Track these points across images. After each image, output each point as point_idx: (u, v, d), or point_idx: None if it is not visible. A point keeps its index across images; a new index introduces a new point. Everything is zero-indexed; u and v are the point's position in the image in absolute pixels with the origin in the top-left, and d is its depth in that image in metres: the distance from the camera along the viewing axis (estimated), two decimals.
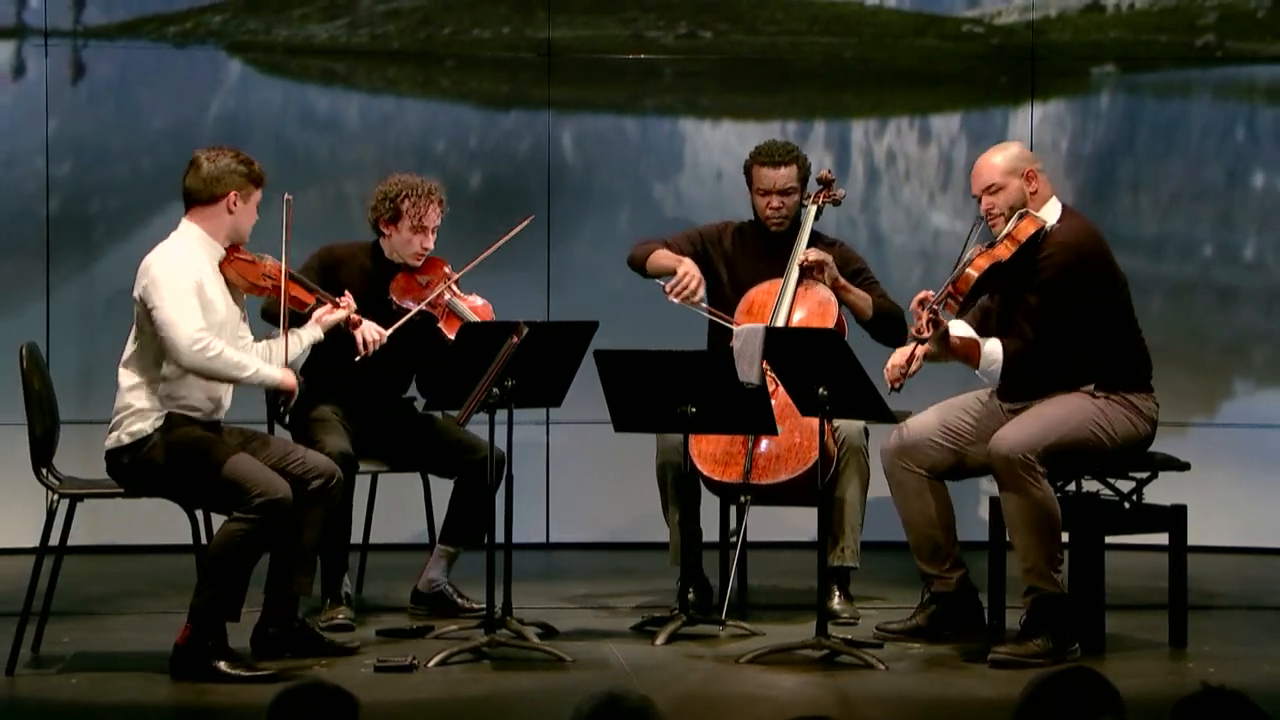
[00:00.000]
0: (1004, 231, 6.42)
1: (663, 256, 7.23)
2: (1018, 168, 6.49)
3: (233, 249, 6.26)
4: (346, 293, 6.58)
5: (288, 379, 6.27)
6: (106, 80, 8.71)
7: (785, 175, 7.21)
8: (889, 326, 7.17)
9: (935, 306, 6.26)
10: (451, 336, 6.93)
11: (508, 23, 8.86)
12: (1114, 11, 9.00)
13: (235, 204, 6.22)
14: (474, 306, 7.03)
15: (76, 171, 8.61)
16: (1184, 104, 8.97)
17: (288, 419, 6.98)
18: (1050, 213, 6.49)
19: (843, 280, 7.18)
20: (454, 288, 7.01)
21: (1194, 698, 3.39)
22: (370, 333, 6.62)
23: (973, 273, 6.34)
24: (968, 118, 9.00)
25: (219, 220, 6.23)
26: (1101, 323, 6.45)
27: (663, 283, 7.13)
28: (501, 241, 7.00)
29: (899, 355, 6.45)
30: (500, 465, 6.68)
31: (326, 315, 6.49)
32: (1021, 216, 6.42)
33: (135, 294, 6.16)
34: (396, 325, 6.75)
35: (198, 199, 6.24)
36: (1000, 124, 8.94)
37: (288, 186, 7.71)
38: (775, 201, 7.23)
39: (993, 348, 6.37)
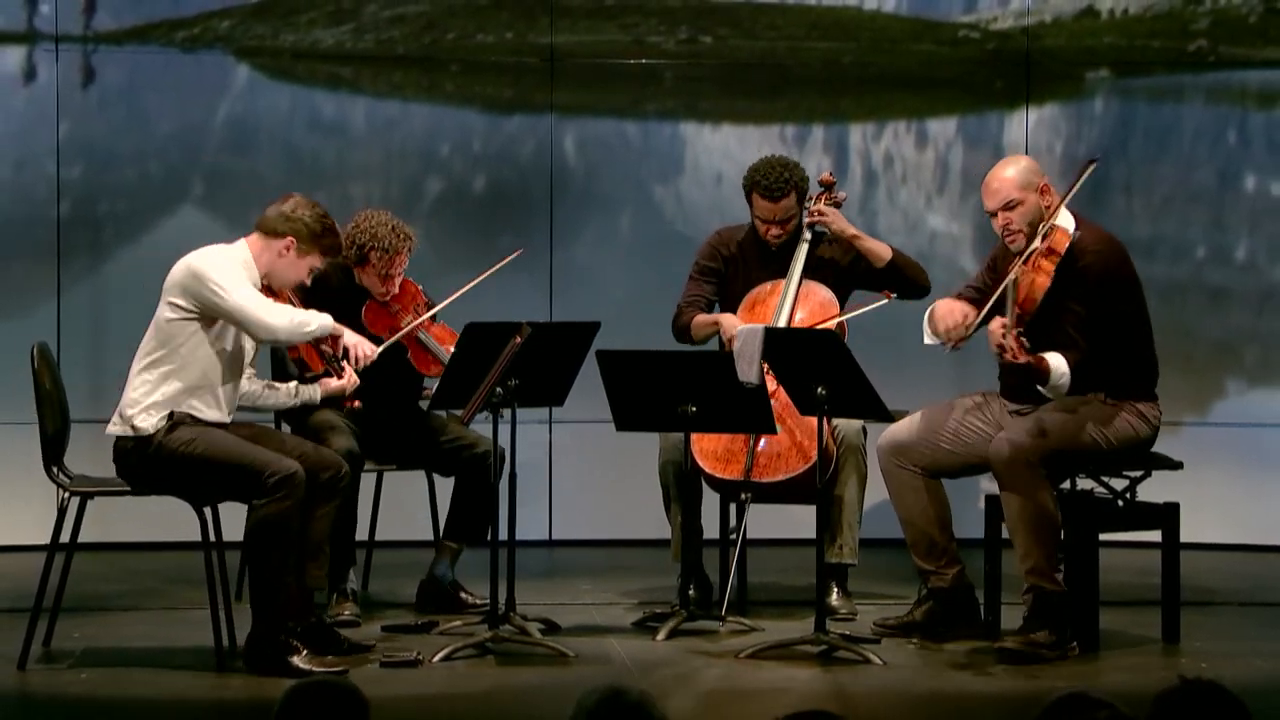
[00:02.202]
0: (1037, 247, 6.37)
1: (702, 324, 7.25)
2: (1033, 181, 6.46)
3: (266, 290, 6.31)
4: (348, 369, 6.56)
5: (336, 326, 6.39)
6: (116, 85, 8.73)
7: (783, 208, 7.20)
8: (906, 276, 7.22)
9: (1016, 330, 6.18)
10: (422, 371, 7.06)
11: (511, 28, 8.88)
12: (1108, 17, 9.01)
13: (287, 250, 6.27)
14: (440, 338, 7.09)
15: (86, 174, 8.63)
16: (1176, 108, 8.98)
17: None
18: (1066, 221, 6.48)
19: (852, 229, 7.23)
20: (422, 317, 7.06)
21: (1172, 690, 3.43)
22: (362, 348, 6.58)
23: (1038, 294, 6.30)
24: (964, 121, 9.03)
25: (269, 256, 6.28)
26: (1125, 328, 6.45)
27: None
28: (486, 274, 7.07)
29: (955, 314, 6.41)
30: (500, 462, 6.74)
31: (332, 383, 6.59)
32: (1050, 229, 6.39)
33: (175, 294, 6.18)
34: (382, 348, 6.76)
35: (263, 227, 6.31)
36: (996, 127, 8.98)
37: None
38: (775, 230, 7.25)
39: (1059, 363, 6.30)
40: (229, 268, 6.21)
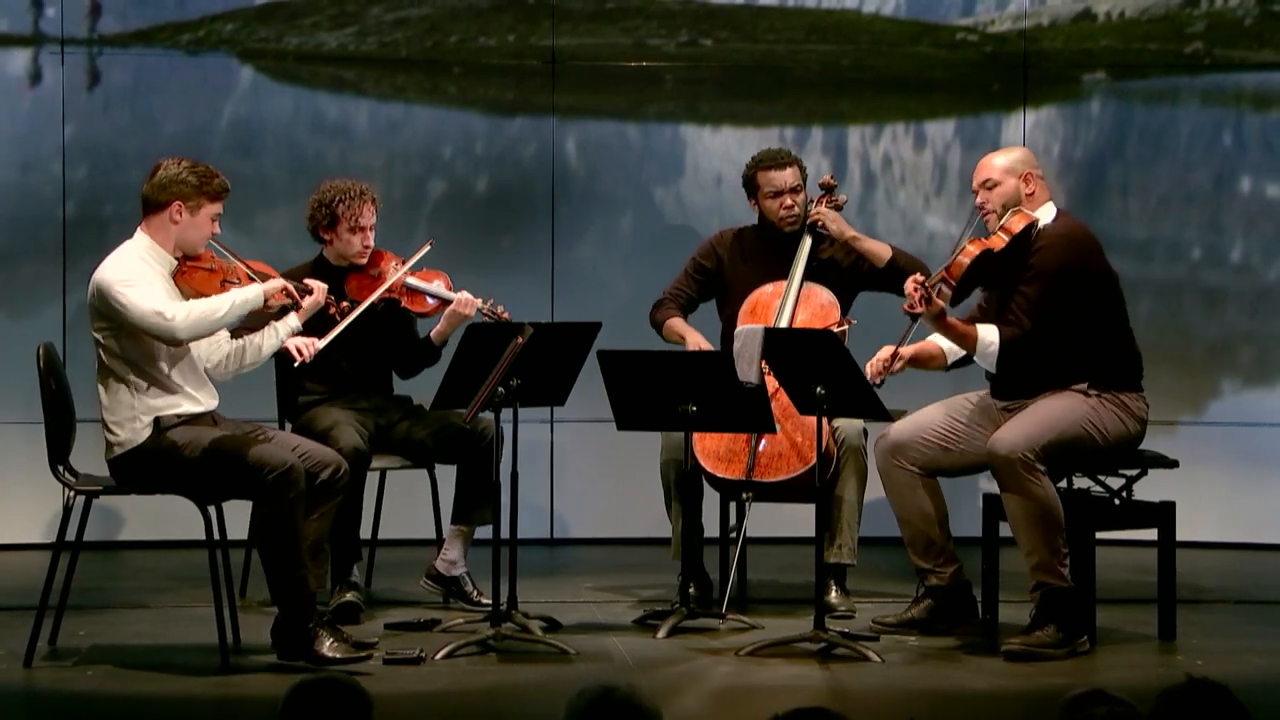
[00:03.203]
0: (997, 225, 6.54)
1: (673, 330, 7.36)
2: (1017, 169, 6.59)
3: (184, 260, 6.25)
4: (314, 283, 6.49)
5: (270, 284, 6.25)
6: (121, 87, 8.75)
7: (791, 174, 7.33)
8: (908, 275, 7.26)
9: (929, 286, 6.37)
10: (418, 311, 7.10)
11: (513, 31, 8.91)
12: (1105, 20, 9.04)
13: (179, 214, 6.19)
14: (431, 280, 7.14)
15: (92, 176, 8.65)
16: (1172, 110, 9.01)
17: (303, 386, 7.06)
18: (1045, 214, 6.58)
19: (851, 231, 7.31)
20: (405, 268, 7.09)
21: (1178, 688, 3.46)
22: (302, 343, 6.55)
23: (964, 260, 6.42)
24: (962, 123, 9.06)
25: (165, 230, 6.21)
26: (1095, 319, 6.50)
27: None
28: (419, 254, 7.07)
29: (883, 351, 6.55)
30: (500, 443, 6.71)
31: (303, 306, 6.40)
32: (1014, 212, 6.53)
33: (95, 315, 6.17)
34: (356, 313, 6.75)
35: (147, 205, 6.25)
36: (993, 130, 9.00)
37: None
38: (788, 201, 7.34)
39: (988, 331, 6.45)
40: (129, 272, 6.12)
